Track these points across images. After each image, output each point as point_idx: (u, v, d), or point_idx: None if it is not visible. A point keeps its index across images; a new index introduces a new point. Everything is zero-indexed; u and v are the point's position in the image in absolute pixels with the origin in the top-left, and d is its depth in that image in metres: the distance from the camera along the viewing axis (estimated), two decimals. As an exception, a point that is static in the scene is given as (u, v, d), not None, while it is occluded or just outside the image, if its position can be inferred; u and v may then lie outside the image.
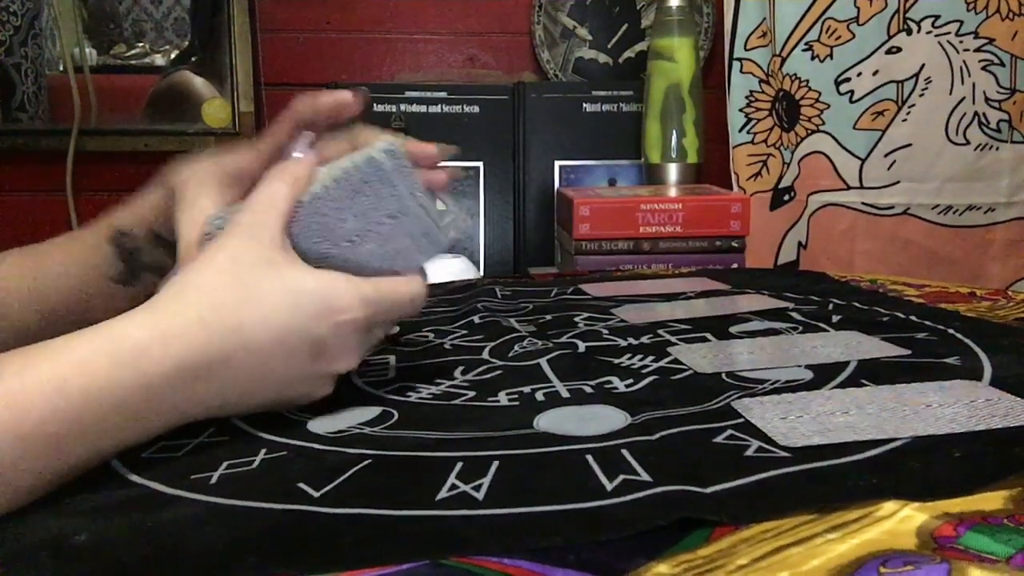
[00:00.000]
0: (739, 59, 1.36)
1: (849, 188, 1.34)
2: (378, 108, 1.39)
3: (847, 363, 0.50)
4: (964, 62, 1.30)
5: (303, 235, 0.44)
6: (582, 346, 0.58)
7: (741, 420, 0.41)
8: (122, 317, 0.40)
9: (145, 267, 0.58)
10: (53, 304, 0.57)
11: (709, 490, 0.33)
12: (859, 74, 1.32)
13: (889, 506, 0.31)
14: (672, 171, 1.29)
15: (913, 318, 0.63)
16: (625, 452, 0.38)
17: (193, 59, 1.51)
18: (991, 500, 0.32)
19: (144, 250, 0.58)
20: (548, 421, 0.43)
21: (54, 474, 0.36)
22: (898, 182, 1.33)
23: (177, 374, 0.39)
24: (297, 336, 0.41)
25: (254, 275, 0.41)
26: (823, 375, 0.48)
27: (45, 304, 0.57)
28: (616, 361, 0.54)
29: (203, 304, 0.40)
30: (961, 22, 1.29)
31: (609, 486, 0.34)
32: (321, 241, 0.44)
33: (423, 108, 1.39)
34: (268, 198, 0.44)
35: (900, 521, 0.30)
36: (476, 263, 1.38)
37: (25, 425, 0.35)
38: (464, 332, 0.63)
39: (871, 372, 0.49)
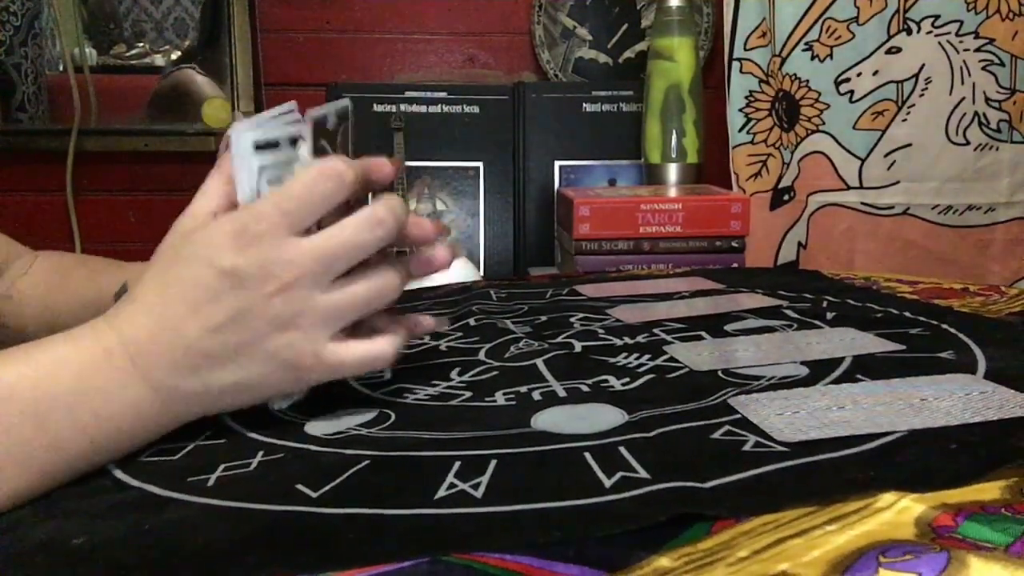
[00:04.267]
0: (739, 59, 1.36)
1: (849, 188, 1.34)
2: (378, 108, 1.39)
3: (842, 359, 0.51)
4: (964, 62, 1.30)
5: None
6: (578, 346, 0.58)
7: (738, 416, 0.41)
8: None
9: None
10: (63, 324, 0.58)
11: (708, 485, 0.33)
12: (859, 74, 1.32)
13: (887, 497, 0.31)
14: (672, 171, 1.29)
15: (907, 314, 0.63)
16: (623, 449, 0.38)
17: (198, 58, 1.51)
18: (988, 490, 0.32)
19: None
20: (545, 420, 0.43)
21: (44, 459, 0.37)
22: (898, 182, 1.33)
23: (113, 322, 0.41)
24: (209, 271, 0.40)
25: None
26: (818, 371, 0.48)
27: (57, 322, 0.59)
28: (612, 360, 0.54)
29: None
30: (961, 22, 1.29)
31: (607, 483, 0.34)
32: None
33: (423, 108, 1.39)
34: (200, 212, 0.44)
35: (899, 512, 0.31)
36: (476, 263, 1.38)
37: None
38: (460, 334, 0.63)
39: (866, 367, 0.49)
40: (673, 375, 0.50)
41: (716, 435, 0.39)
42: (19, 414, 0.38)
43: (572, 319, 0.66)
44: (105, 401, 0.39)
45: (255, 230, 0.40)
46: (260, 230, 0.40)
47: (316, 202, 0.41)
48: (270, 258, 0.40)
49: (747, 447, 0.38)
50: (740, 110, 1.38)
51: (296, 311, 0.41)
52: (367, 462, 0.39)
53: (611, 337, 0.60)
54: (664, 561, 0.28)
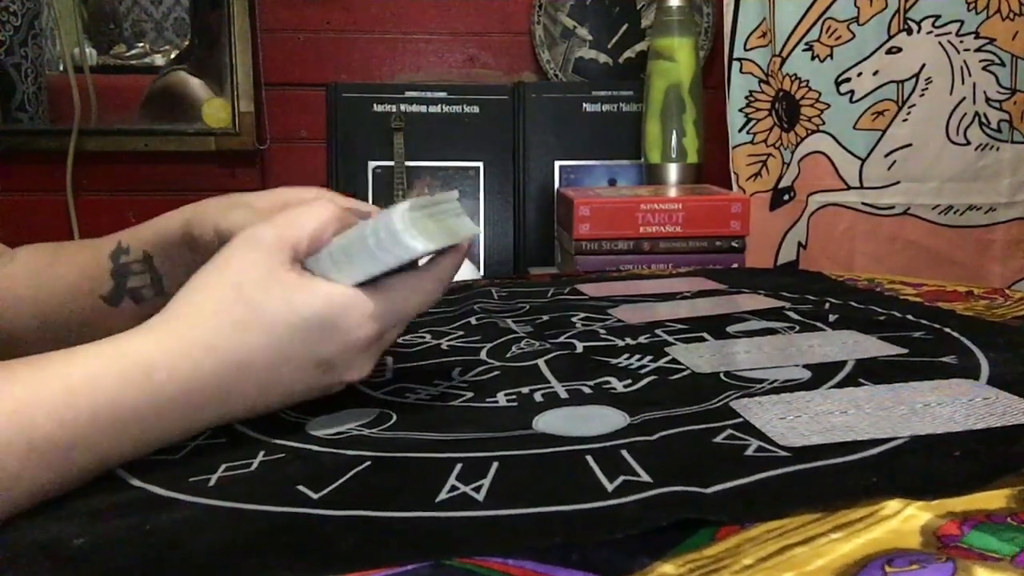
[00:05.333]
0: (739, 59, 1.36)
1: (849, 188, 1.34)
2: (378, 108, 1.39)
3: (845, 362, 0.50)
4: (964, 62, 1.30)
5: (315, 264, 0.44)
6: (580, 346, 0.58)
7: (740, 420, 0.41)
8: (134, 332, 0.40)
9: (128, 291, 0.56)
10: (48, 313, 0.56)
11: (710, 490, 0.33)
12: (859, 74, 1.32)
13: (893, 505, 0.31)
14: (672, 171, 1.29)
15: (910, 317, 0.62)
16: (625, 453, 0.38)
17: (190, 59, 1.51)
18: (994, 499, 0.32)
19: (132, 273, 0.56)
20: (547, 422, 0.43)
21: (57, 484, 0.36)
22: (898, 182, 1.33)
23: (184, 397, 0.39)
24: (304, 358, 0.42)
25: (260, 295, 0.41)
26: (821, 374, 0.48)
27: (42, 312, 0.57)
28: (614, 361, 0.54)
29: (209, 327, 0.40)
30: (961, 22, 1.29)
31: (610, 487, 0.34)
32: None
33: (423, 108, 1.39)
34: (297, 219, 0.43)
35: (904, 520, 0.30)
36: (476, 263, 1.38)
37: (35, 435, 0.35)
38: (461, 333, 0.63)
39: (868, 371, 0.49)
40: (675, 377, 0.50)
41: (718, 439, 0.39)
42: (60, 474, 0.37)
43: (574, 319, 0.66)
44: (159, 440, 0.40)
45: (360, 336, 0.42)
46: (365, 336, 0.42)
47: (412, 316, 0.45)
48: (362, 352, 0.43)
49: (749, 451, 0.37)
50: (740, 110, 1.38)
51: (353, 370, 0.44)
52: (368, 463, 0.39)
53: (613, 338, 0.60)
54: (668, 568, 0.28)
